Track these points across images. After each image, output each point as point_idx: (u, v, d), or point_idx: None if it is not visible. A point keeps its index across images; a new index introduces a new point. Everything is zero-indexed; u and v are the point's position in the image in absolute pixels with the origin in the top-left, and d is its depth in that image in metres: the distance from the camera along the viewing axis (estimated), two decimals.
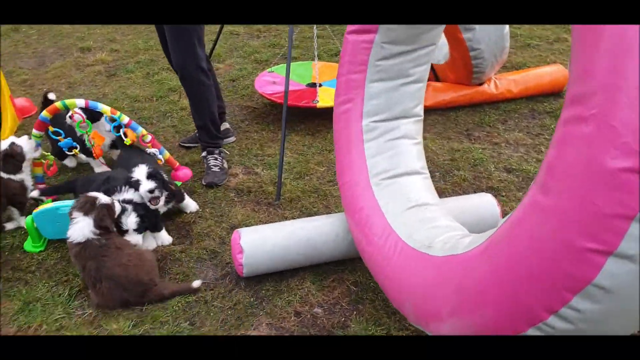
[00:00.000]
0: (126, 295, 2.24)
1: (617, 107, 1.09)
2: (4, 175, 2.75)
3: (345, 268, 2.48)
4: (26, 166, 2.87)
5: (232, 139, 3.63)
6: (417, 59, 2.32)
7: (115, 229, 2.41)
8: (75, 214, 2.29)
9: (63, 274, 2.48)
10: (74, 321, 2.22)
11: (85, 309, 2.28)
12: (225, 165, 3.26)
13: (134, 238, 2.50)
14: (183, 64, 2.98)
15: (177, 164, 3.12)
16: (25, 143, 2.84)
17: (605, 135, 1.11)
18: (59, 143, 2.96)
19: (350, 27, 2.30)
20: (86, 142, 3.04)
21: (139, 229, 2.52)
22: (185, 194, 2.90)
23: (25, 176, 2.86)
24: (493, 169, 3.26)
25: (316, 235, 2.39)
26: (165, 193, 2.61)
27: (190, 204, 2.91)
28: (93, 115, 2.96)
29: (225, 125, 3.62)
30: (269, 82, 4.04)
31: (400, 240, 1.94)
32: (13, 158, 2.78)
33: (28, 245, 2.67)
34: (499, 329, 1.42)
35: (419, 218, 2.03)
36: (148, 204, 2.57)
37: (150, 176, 2.56)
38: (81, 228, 2.25)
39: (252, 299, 2.32)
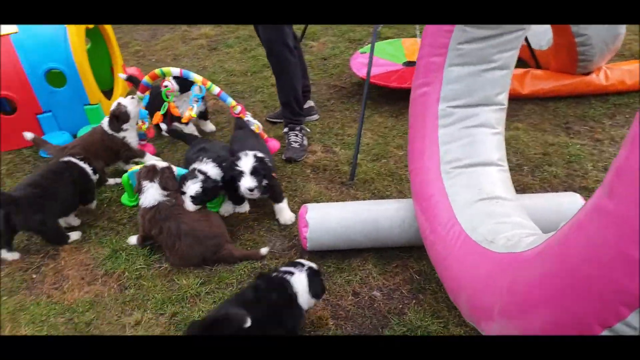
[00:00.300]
0: (202, 249, 2.41)
1: None
2: (109, 132, 3.07)
3: (410, 255, 2.46)
4: (132, 124, 3.18)
5: (316, 117, 3.70)
6: (503, 44, 2.20)
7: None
8: (143, 183, 2.50)
9: None
10: (151, 272, 2.45)
11: (162, 263, 2.51)
12: (305, 142, 3.34)
13: (187, 204, 2.53)
14: (270, 39, 3.08)
15: (266, 135, 3.24)
16: (129, 103, 3.15)
17: None
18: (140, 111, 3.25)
19: None
20: (162, 109, 3.24)
21: (196, 199, 2.51)
22: (284, 198, 2.77)
23: (128, 134, 3.17)
24: (590, 168, 3.02)
25: (382, 218, 2.39)
26: (261, 190, 2.56)
27: (284, 212, 2.74)
28: (185, 84, 3.16)
29: (309, 103, 3.69)
30: (365, 64, 4.01)
31: (464, 232, 1.90)
32: (117, 118, 3.08)
33: (125, 199, 2.98)
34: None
35: (487, 212, 1.95)
36: (244, 193, 2.56)
37: (254, 172, 2.49)
38: (151, 194, 2.48)
39: None
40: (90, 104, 3.71)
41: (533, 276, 1.40)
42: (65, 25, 3.55)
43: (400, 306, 2.22)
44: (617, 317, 1.16)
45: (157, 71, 3.10)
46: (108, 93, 4.13)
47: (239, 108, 3.09)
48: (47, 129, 3.64)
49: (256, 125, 3.08)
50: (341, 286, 2.33)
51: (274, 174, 2.69)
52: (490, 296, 1.59)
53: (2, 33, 3.52)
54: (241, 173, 2.49)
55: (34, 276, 2.49)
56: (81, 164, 2.78)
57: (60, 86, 3.61)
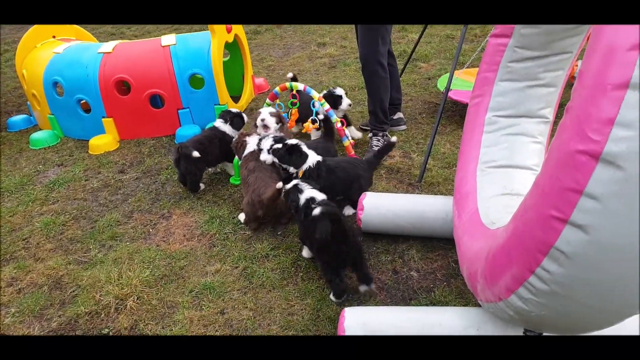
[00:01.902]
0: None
1: (584, 102, 1.33)
2: (229, 132, 3.83)
3: (452, 247, 2.81)
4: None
5: (403, 127, 4.18)
6: (549, 65, 2.51)
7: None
8: (248, 139, 3.37)
9: (240, 202, 3.45)
10: (235, 237, 3.13)
11: (245, 231, 3.17)
12: None
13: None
14: (365, 56, 3.67)
15: (352, 152, 3.80)
16: (251, 140, 3.43)
17: (574, 123, 1.36)
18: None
19: (493, 31, 2.63)
20: (287, 114, 3.99)
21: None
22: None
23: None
24: None
25: (428, 210, 2.80)
26: None
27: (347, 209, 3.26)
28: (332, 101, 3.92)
29: (398, 115, 4.19)
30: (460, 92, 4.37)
31: (479, 217, 2.25)
32: (236, 148, 3.77)
33: (233, 179, 3.73)
34: (502, 290, 1.71)
35: (505, 204, 2.29)
36: None
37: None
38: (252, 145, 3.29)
39: (363, 252, 2.87)
40: (219, 104, 4.62)
41: (497, 243, 1.76)
42: (211, 39, 4.51)
43: (432, 285, 2.60)
44: (536, 263, 1.50)
45: (287, 84, 3.85)
46: (237, 98, 5.05)
47: (339, 124, 3.71)
48: (184, 121, 4.62)
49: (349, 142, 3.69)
50: (384, 264, 2.78)
51: None
52: (477, 263, 1.95)
53: (163, 44, 4.59)
54: None
55: (151, 230, 3.33)
56: (226, 127, 3.77)
57: (199, 88, 4.57)
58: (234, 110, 3.87)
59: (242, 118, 3.84)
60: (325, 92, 4.02)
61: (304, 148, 3.12)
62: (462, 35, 3.52)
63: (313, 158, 3.10)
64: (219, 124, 3.78)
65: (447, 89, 3.49)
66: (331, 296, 2.55)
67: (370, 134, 3.95)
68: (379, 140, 3.85)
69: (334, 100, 3.91)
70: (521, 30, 2.42)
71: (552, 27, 2.40)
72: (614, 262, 1.37)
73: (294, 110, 4.00)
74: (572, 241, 1.38)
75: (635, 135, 1.22)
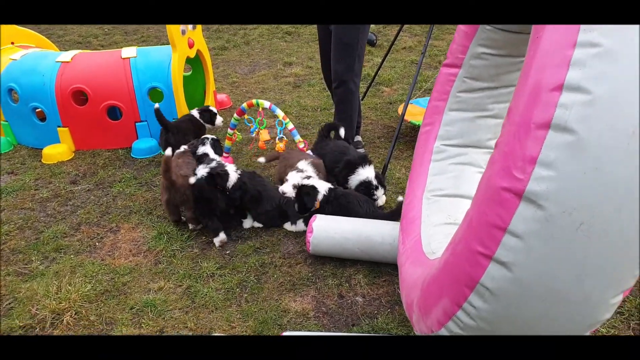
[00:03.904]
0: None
1: (511, 139, 1.34)
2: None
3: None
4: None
5: (361, 151, 4.18)
6: (498, 97, 2.55)
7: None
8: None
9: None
10: (182, 254, 3.05)
11: (193, 248, 3.10)
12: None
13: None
14: (342, 73, 3.69)
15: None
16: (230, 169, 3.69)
17: (500, 159, 1.37)
18: (251, 129, 4.01)
19: (444, 61, 2.66)
20: (253, 132, 3.95)
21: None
22: None
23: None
24: None
25: (376, 235, 2.78)
26: None
27: None
28: None
29: (357, 138, 4.20)
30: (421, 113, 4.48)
31: (421, 245, 2.25)
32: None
33: None
34: (434, 322, 1.69)
35: (446, 233, 2.28)
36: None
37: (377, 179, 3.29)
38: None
39: (310, 274, 2.84)
40: (177, 118, 4.54)
41: (431, 275, 1.74)
42: (172, 54, 4.44)
43: (376, 312, 2.57)
44: (464, 297, 1.49)
45: (253, 101, 3.82)
46: None
47: (302, 144, 3.70)
48: (141, 134, 4.52)
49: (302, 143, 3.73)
50: (330, 288, 2.74)
51: None
52: (414, 292, 1.93)
53: (123, 56, 4.50)
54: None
55: (97, 243, 3.21)
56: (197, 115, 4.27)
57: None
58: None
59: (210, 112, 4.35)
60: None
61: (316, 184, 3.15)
62: (420, 62, 3.56)
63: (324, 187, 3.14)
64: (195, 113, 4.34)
65: (403, 114, 3.51)
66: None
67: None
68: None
69: (210, 116, 4.34)
70: (470, 62, 2.46)
71: (500, 60, 2.44)
72: (535, 301, 1.36)
73: (265, 130, 3.94)
74: (496, 278, 1.38)
75: (555, 175, 1.23)
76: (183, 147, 3.60)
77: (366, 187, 3.25)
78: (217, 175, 3.09)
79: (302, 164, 3.34)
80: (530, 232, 1.28)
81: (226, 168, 3.19)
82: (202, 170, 3.12)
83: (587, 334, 1.48)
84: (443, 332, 1.64)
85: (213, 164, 3.17)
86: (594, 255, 1.26)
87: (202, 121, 4.33)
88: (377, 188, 3.25)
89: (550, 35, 1.28)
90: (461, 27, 2.42)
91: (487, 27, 2.28)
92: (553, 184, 1.23)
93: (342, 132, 3.71)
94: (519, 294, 1.36)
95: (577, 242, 1.24)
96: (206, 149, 3.49)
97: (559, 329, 1.41)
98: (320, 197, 3.09)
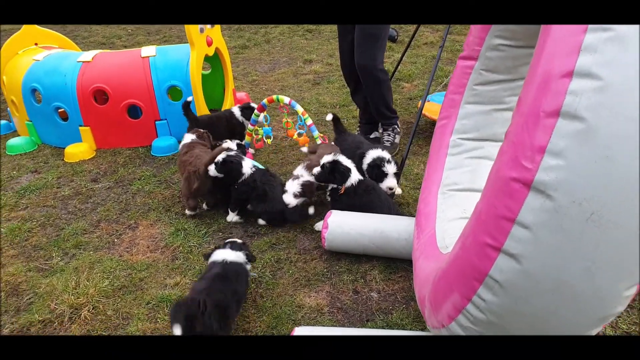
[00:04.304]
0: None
1: (519, 129, 1.32)
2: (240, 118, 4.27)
3: None
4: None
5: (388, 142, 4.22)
6: (515, 89, 2.51)
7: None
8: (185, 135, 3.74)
9: (208, 217, 3.41)
10: (199, 250, 3.09)
11: (209, 244, 3.13)
12: (397, 140, 4.14)
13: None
14: (366, 63, 3.82)
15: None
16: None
17: (509, 149, 1.35)
18: (264, 128, 4.10)
19: (461, 54, 2.63)
20: (283, 124, 4.04)
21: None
22: None
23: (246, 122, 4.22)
24: None
25: (392, 231, 2.77)
26: None
27: None
28: None
29: (375, 134, 4.20)
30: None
31: (435, 240, 2.23)
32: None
33: None
34: (445, 317, 1.67)
35: (461, 227, 2.23)
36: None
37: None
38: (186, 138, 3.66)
39: (325, 270, 2.84)
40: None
41: (442, 270, 1.73)
42: (190, 52, 4.50)
43: (390, 307, 2.56)
44: (473, 291, 1.47)
45: (274, 97, 3.88)
46: (216, 111, 5.02)
47: (319, 141, 3.74)
48: (161, 133, 4.59)
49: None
50: (345, 284, 2.73)
51: None
52: (426, 287, 1.92)
53: (143, 55, 4.58)
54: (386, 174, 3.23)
55: (116, 240, 3.27)
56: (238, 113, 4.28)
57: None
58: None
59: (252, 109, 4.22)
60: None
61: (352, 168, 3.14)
62: (437, 57, 3.53)
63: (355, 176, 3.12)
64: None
65: (421, 109, 3.49)
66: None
67: (380, 130, 4.26)
68: (389, 135, 4.16)
69: (251, 113, 4.17)
70: (487, 54, 2.43)
71: (517, 52, 2.41)
72: (544, 293, 1.34)
73: (289, 124, 4.01)
74: (505, 270, 1.36)
75: (565, 164, 1.20)
76: (190, 137, 3.70)
77: (377, 165, 3.25)
78: (230, 163, 3.17)
79: (299, 170, 3.37)
80: (539, 223, 1.26)
81: (242, 160, 3.26)
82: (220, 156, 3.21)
83: (600, 327, 1.44)
84: (454, 326, 1.62)
85: (231, 153, 3.24)
86: (604, 246, 1.23)
87: (242, 119, 4.30)
88: (389, 162, 3.24)
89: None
90: None
91: None
92: (562, 173, 1.21)
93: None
94: (528, 286, 1.34)
95: (587, 233, 1.22)
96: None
97: (569, 323, 1.38)
98: (349, 183, 3.07)
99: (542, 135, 1.24)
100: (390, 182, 3.25)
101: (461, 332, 1.60)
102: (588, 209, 1.20)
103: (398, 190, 3.38)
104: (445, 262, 1.72)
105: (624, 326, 2.31)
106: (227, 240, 2.65)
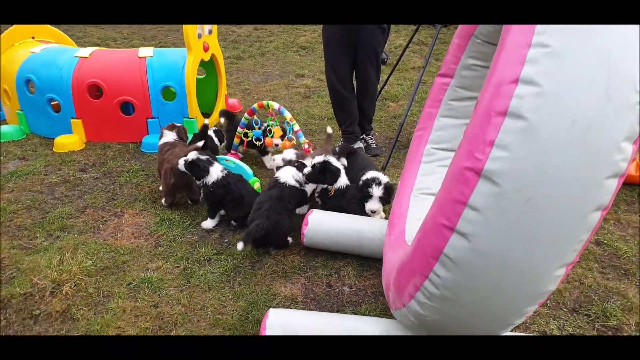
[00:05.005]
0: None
1: (475, 126, 1.57)
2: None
3: None
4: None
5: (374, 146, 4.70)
6: None
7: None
8: (165, 132, 3.93)
9: (193, 210, 3.62)
10: (182, 239, 3.28)
11: (192, 235, 3.33)
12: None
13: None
14: (374, 77, 4.40)
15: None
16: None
17: (465, 143, 1.60)
18: (254, 131, 4.29)
19: (439, 72, 2.91)
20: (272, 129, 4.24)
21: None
22: None
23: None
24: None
25: (367, 231, 3.00)
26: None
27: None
28: None
29: (358, 144, 4.50)
30: None
31: (404, 236, 2.46)
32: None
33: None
34: (406, 296, 1.89)
35: None
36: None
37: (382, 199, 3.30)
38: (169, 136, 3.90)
39: (302, 264, 3.05)
40: (188, 118, 4.82)
41: (405, 255, 1.96)
42: (187, 55, 4.74)
43: (360, 301, 2.78)
44: (429, 268, 1.70)
45: (264, 102, 4.12)
46: (208, 115, 5.25)
47: (306, 146, 3.99)
48: (152, 130, 4.79)
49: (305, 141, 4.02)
50: (320, 278, 2.95)
51: None
52: (391, 273, 2.14)
53: (140, 55, 4.81)
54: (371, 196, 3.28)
55: (101, 225, 3.46)
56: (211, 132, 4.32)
57: (170, 100, 4.77)
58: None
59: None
60: None
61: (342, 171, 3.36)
62: (420, 75, 3.81)
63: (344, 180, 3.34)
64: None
65: (402, 123, 3.75)
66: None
67: (362, 136, 4.75)
68: (371, 139, 4.82)
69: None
70: (462, 72, 2.70)
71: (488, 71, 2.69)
72: (491, 269, 1.58)
73: (277, 127, 4.22)
74: (457, 248, 1.59)
75: (509, 156, 1.45)
76: (171, 136, 3.92)
77: (365, 185, 3.33)
78: (196, 165, 3.35)
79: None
80: (487, 206, 1.51)
81: (210, 166, 3.40)
82: (190, 155, 3.39)
83: (536, 305, 1.68)
84: (412, 303, 1.85)
85: (201, 156, 3.41)
86: (540, 228, 1.47)
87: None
88: (377, 184, 3.25)
89: (511, 37, 1.51)
90: (455, 40, 2.68)
91: (478, 40, 2.54)
92: (507, 163, 1.45)
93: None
94: (477, 263, 1.58)
95: (526, 216, 1.46)
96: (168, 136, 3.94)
97: (512, 298, 1.62)
98: (338, 185, 3.29)
99: (492, 131, 1.49)
100: (371, 205, 3.27)
101: (419, 309, 1.83)
102: (526, 195, 1.45)
103: (381, 214, 3.40)
104: (409, 248, 1.95)
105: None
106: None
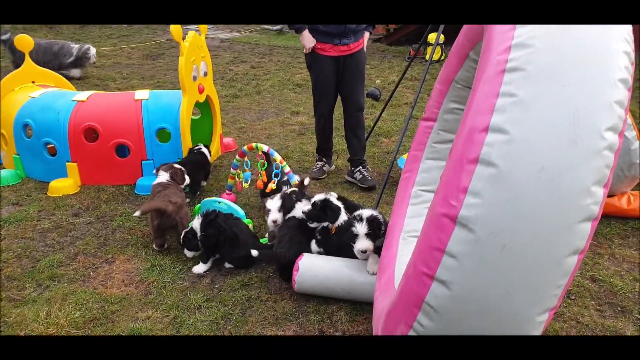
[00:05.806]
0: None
1: (450, 173, 1.60)
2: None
3: None
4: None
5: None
6: None
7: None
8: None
9: (182, 254, 3.63)
10: (172, 286, 3.28)
11: (183, 281, 3.33)
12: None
13: None
14: (362, 102, 4.76)
15: None
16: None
17: (441, 189, 1.62)
18: (244, 173, 4.37)
19: (423, 116, 2.98)
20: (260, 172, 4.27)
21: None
22: None
23: None
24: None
25: (357, 275, 2.99)
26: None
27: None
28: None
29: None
30: None
31: (393, 280, 2.46)
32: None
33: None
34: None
35: None
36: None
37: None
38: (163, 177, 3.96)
39: (294, 310, 3.04)
40: (182, 158, 4.88)
41: (391, 302, 1.96)
42: (182, 97, 4.83)
43: None
44: (413, 318, 1.70)
45: (253, 144, 4.20)
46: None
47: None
48: (147, 172, 4.85)
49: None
50: (312, 324, 2.93)
51: None
52: (380, 321, 2.13)
53: (136, 98, 4.91)
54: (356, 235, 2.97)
55: (91, 273, 3.46)
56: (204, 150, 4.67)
57: (165, 142, 4.84)
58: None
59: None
60: None
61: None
62: (409, 115, 3.87)
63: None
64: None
65: (393, 160, 3.79)
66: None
67: (358, 167, 4.92)
68: (367, 170, 4.92)
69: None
70: (444, 116, 2.77)
71: None
72: (471, 316, 1.58)
73: (264, 172, 4.25)
74: (438, 296, 1.60)
75: (482, 202, 1.48)
76: (164, 177, 4.02)
77: (348, 224, 3.09)
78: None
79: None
80: (463, 252, 1.52)
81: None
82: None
83: None
84: None
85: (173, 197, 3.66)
86: (517, 274, 1.48)
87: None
88: (359, 220, 2.95)
89: (482, 86, 1.56)
90: (437, 86, 2.75)
91: (458, 85, 2.61)
92: (480, 210, 1.48)
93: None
94: (457, 310, 1.58)
95: (502, 262, 1.48)
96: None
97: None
98: (338, 222, 3.21)
99: (465, 178, 1.52)
100: (360, 245, 2.95)
101: None
102: (502, 241, 1.46)
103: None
104: (395, 295, 1.95)
105: None
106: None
